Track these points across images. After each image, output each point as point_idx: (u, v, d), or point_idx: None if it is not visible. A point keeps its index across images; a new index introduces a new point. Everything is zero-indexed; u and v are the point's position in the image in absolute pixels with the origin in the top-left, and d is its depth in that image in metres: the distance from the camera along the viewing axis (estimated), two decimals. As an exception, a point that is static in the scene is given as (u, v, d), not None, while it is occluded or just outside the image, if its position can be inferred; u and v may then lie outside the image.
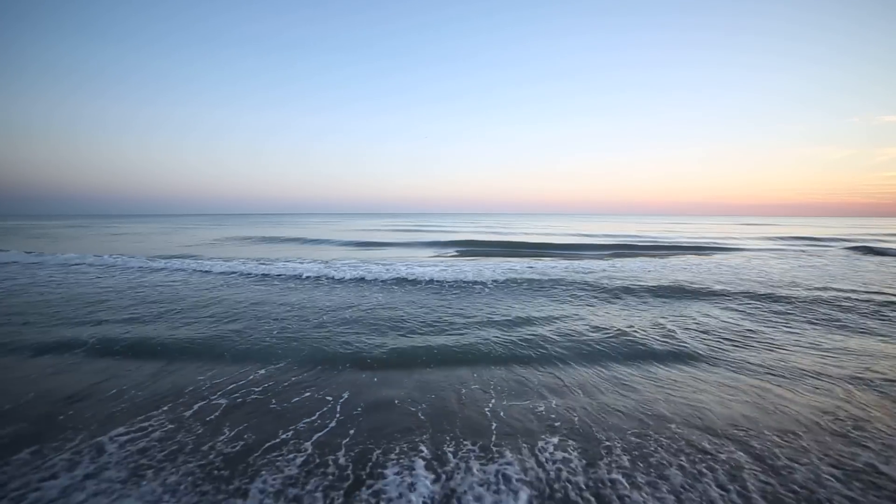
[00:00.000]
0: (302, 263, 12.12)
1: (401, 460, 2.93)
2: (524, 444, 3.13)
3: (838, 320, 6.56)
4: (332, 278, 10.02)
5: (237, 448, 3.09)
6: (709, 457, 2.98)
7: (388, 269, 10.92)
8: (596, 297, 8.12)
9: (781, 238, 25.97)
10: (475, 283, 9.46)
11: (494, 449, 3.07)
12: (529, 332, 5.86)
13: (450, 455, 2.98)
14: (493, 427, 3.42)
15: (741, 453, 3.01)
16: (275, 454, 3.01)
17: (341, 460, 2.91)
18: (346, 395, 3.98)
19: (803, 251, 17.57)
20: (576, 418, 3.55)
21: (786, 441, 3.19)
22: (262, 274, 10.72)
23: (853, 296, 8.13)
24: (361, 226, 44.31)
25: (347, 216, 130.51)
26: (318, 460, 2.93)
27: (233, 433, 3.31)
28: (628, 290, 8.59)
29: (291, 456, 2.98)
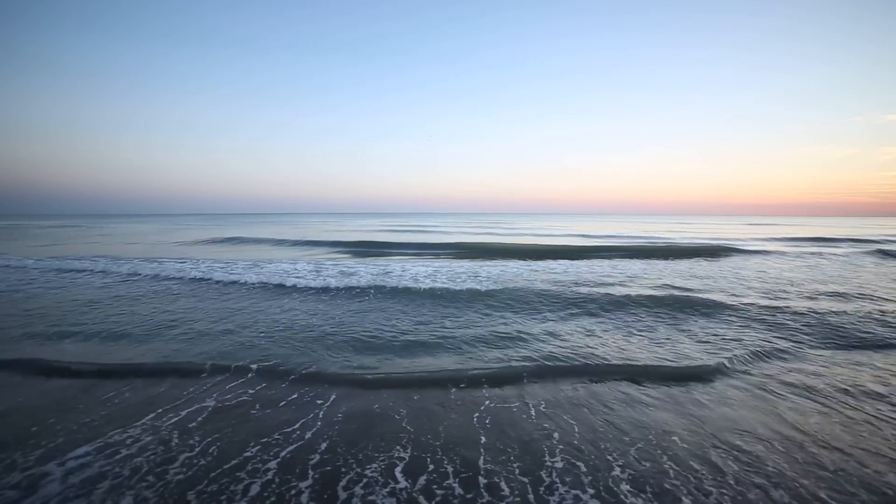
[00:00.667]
0: (294, 265, 11.85)
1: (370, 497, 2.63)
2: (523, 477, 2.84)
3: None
4: (302, 287, 9.64)
5: (191, 473, 2.88)
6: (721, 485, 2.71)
7: (376, 269, 10.65)
8: (594, 308, 7.73)
9: (792, 239, 25.15)
10: (465, 289, 9.01)
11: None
12: (517, 346, 5.55)
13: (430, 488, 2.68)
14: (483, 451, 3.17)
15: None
16: (227, 481, 2.79)
17: (304, 496, 2.64)
18: (326, 407, 3.75)
19: (814, 252, 16.99)
20: (575, 438, 3.32)
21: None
22: (230, 281, 10.25)
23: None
24: (356, 226, 43.36)
25: (348, 216, 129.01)
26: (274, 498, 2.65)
27: (198, 449, 3.16)
28: (631, 300, 8.02)
29: (248, 481, 2.74)
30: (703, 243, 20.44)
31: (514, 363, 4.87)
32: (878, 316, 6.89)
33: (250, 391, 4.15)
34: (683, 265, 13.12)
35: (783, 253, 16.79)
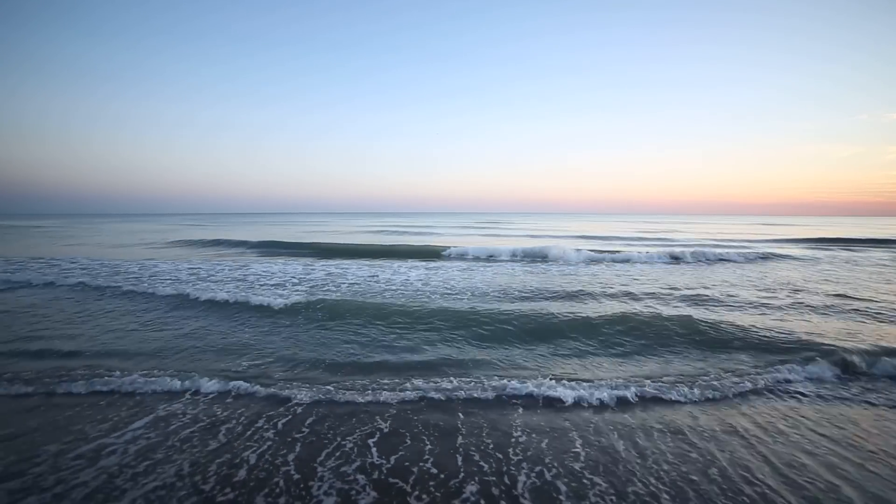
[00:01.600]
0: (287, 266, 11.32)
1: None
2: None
3: None
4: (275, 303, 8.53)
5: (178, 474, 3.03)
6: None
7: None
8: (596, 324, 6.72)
9: (811, 240, 23.84)
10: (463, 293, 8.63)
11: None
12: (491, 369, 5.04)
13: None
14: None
15: None
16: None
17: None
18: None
19: (843, 258, 15.92)
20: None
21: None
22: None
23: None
24: (349, 228, 40.73)
25: (349, 216, 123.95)
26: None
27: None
28: (633, 329, 6.40)
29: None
30: (724, 244, 19.48)
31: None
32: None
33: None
34: (692, 271, 12.43)
35: (814, 258, 15.55)
